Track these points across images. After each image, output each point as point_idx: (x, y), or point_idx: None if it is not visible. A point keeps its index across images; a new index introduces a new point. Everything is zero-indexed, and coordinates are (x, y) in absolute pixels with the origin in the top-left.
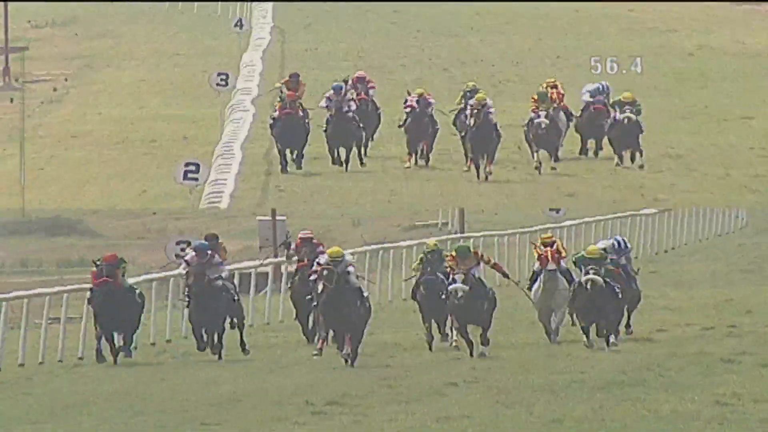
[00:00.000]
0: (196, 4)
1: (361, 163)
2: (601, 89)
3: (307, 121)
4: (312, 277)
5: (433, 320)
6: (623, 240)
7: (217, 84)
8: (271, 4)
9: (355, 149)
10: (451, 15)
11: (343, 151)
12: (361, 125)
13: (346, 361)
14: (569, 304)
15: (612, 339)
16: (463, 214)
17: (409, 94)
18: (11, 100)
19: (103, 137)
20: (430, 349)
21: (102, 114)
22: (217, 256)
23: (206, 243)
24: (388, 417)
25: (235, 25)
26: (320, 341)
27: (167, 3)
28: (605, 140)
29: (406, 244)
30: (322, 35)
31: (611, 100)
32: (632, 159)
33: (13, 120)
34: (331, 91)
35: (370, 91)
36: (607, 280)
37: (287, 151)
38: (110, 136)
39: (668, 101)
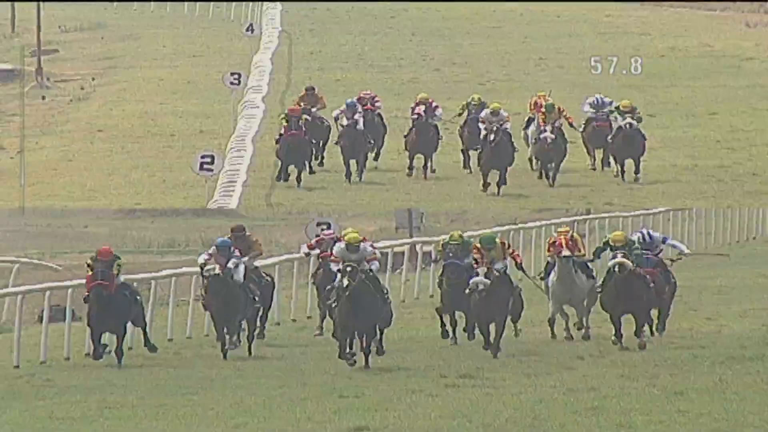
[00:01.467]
0: (211, 10)
1: (360, 176)
2: (600, 103)
3: (311, 141)
4: (335, 269)
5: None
6: (648, 232)
7: (231, 83)
8: (279, 10)
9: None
10: (443, 20)
11: (353, 164)
12: (370, 140)
13: (367, 364)
14: (600, 296)
15: (645, 332)
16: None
17: (415, 105)
18: (43, 98)
19: (127, 131)
20: (453, 340)
21: (125, 110)
22: (237, 251)
23: (228, 240)
24: (518, 390)
25: (247, 30)
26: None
27: (186, 9)
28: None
29: (536, 224)
30: (325, 38)
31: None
32: (635, 172)
33: (46, 116)
34: (344, 106)
35: (377, 104)
36: (638, 266)
37: (289, 168)
38: (133, 130)
39: (643, 97)
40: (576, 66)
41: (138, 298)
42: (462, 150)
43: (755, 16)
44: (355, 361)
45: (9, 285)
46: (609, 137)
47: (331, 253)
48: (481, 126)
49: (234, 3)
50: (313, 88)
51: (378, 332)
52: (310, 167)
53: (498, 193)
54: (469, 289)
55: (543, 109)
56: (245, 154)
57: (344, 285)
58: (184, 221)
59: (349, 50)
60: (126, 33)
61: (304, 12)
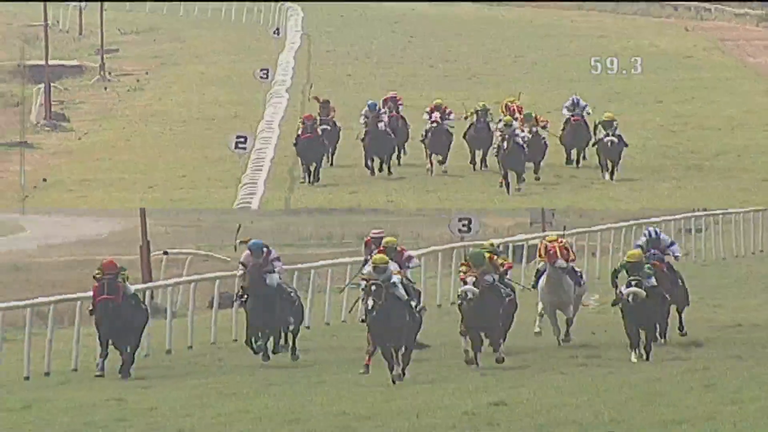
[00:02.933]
0: (244, 15)
1: (389, 172)
2: (576, 102)
3: (325, 140)
4: (361, 289)
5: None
6: (655, 231)
7: (260, 76)
8: (301, 16)
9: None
10: (437, 24)
11: (377, 161)
12: (393, 137)
13: (394, 381)
14: (624, 318)
15: (660, 341)
16: None
17: (431, 110)
18: (105, 89)
19: (174, 116)
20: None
21: (173, 99)
22: (273, 252)
23: (261, 242)
24: (637, 369)
25: (274, 32)
26: (367, 357)
27: (223, 15)
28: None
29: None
30: (339, 39)
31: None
32: (611, 175)
33: (107, 104)
34: (367, 108)
35: (400, 108)
36: (653, 286)
37: (309, 166)
38: (179, 115)
39: (601, 89)
40: (547, 62)
41: (144, 308)
42: (470, 150)
43: (692, 22)
44: (401, 377)
45: (183, 274)
46: (594, 146)
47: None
48: (497, 135)
49: (263, 10)
50: (328, 101)
51: (413, 341)
52: (331, 160)
53: (518, 190)
54: (459, 297)
55: (522, 116)
56: (272, 135)
57: (369, 306)
58: (338, 217)
59: (358, 49)
60: (174, 35)
61: (322, 17)
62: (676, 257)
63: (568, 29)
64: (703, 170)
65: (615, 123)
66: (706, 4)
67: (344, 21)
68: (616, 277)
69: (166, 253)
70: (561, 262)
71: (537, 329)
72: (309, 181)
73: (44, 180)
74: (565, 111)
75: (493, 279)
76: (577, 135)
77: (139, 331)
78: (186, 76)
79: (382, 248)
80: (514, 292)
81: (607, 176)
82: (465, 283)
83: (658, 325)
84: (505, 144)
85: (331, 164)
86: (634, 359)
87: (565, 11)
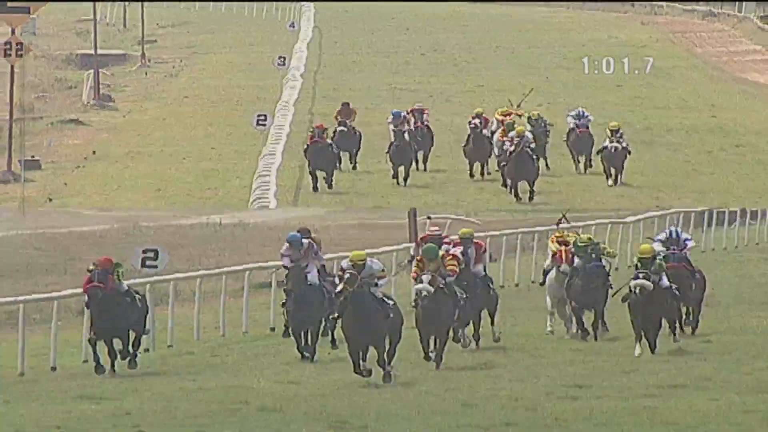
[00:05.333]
0: (264, 11)
1: (404, 183)
2: (581, 114)
3: (335, 148)
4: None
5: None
6: (677, 230)
7: (278, 64)
8: (313, 12)
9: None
10: (427, 19)
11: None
12: (415, 147)
13: (370, 375)
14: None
15: (676, 337)
16: None
17: (471, 119)
18: (145, 74)
19: (205, 98)
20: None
21: (204, 83)
22: (314, 245)
23: (299, 234)
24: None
25: (290, 26)
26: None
27: (246, 11)
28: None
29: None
30: (345, 32)
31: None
32: (615, 180)
33: (147, 87)
34: (392, 117)
35: (425, 117)
36: (663, 282)
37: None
38: (209, 98)
39: (569, 75)
40: (522, 52)
41: (140, 304)
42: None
43: (648, 17)
44: (370, 374)
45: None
46: (600, 154)
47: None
48: (507, 143)
49: (280, 8)
50: (348, 103)
51: (388, 345)
52: (356, 160)
53: (530, 199)
54: (415, 296)
55: (503, 126)
56: (288, 113)
57: (339, 289)
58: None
59: (362, 40)
60: (204, 28)
61: (331, 13)
62: (686, 250)
63: (540, 24)
64: (653, 145)
65: (620, 131)
66: (659, 2)
67: (350, 17)
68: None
69: (429, 218)
70: (565, 267)
71: (549, 329)
72: (314, 189)
73: (93, 152)
74: (569, 120)
75: (446, 279)
76: (583, 144)
77: (137, 327)
78: (215, 64)
79: (426, 236)
80: (466, 298)
81: (611, 182)
82: (421, 281)
83: (668, 323)
84: (513, 148)
85: (355, 167)
86: (637, 352)
87: (537, 7)
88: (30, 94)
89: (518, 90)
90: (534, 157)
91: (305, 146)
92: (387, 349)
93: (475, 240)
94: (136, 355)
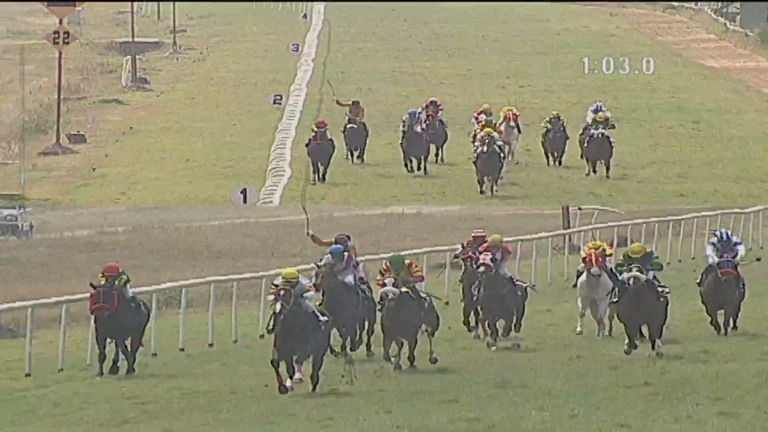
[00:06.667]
0: (280, 5)
1: (425, 171)
2: (599, 108)
3: (334, 144)
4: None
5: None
6: (726, 232)
7: (292, 50)
8: (324, 4)
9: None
10: (424, 11)
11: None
12: (428, 140)
13: (302, 383)
14: (617, 307)
15: (658, 342)
16: None
17: (477, 114)
18: (176, 60)
19: (228, 80)
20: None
21: (227, 67)
22: (353, 257)
23: (341, 247)
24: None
25: (302, 17)
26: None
27: (264, 5)
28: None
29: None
30: (352, 22)
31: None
32: (607, 170)
33: (178, 71)
34: (407, 115)
35: (440, 112)
36: (653, 277)
37: (318, 165)
38: (231, 80)
39: (545, 60)
40: (505, 40)
41: (143, 311)
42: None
43: (617, 9)
44: (286, 389)
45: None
46: (585, 143)
47: (472, 255)
48: (478, 143)
49: (295, 1)
50: (358, 102)
51: (312, 357)
52: (359, 154)
53: (490, 193)
54: (380, 298)
55: (483, 122)
56: (301, 94)
57: (278, 309)
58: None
59: (366, 30)
60: (227, 20)
61: (339, 5)
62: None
63: (521, 15)
64: (621, 122)
65: (609, 121)
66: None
67: (355, 8)
68: (620, 273)
69: (580, 209)
70: (595, 270)
71: (579, 329)
72: (318, 180)
73: (131, 128)
74: (589, 113)
75: (412, 284)
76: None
77: (139, 331)
78: (237, 51)
79: (471, 240)
80: (431, 301)
81: (595, 173)
82: (385, 284)
83: (649, 328)
84: (485, 148)
85: (362, 161)
86: (625, 349)
87: (520, 2)
88: (75, 77)
89: (502, 73)
90: (501, 155)
91: (307, 142)
92: (315, 359)
93: (503, 245)
94: (134, 360)
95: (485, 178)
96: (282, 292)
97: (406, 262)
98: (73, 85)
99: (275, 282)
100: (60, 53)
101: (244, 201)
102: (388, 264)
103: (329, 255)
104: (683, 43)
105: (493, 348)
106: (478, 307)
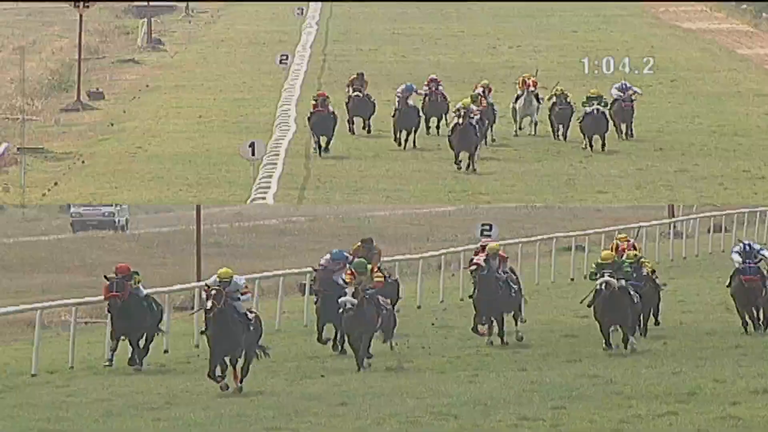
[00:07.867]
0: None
1: (414, 145)
2: (625, 87)
3: (336, 115)
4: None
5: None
6: (750, 243)
7: (297, 14)
8: (320, 4)
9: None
10: (417, 9)
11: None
12: (420, 114)
13: (238, 388)
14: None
15: (632, 340)
16: None
17: (475, 87)
18: (189, 22)
19: (237, 41)
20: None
21: (237, 29)
22: (347, 266)
23: (343, 252)
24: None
25: (298, 14)
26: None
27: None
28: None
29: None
30: (347, 17)
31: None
32: (603, 146)
33: (191, 32)
34: (403, 87)
35: (440, 87)
36: (626, 282)
37: (320, 139)
38: (241, 41)
39: (531, 22)
40: (494, 5)
41: (156, 309)
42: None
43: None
44: (226, 385)
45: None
46: (578, 120)
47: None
48: (453, 114)
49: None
50: (363, 74)
51: (245, 359)
52: (365, 126)
53: (472, 170)
54: (339, 307)
55: (467, 99)
56: (306, 54)
57: (208, 306)
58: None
59: (362, 25)
60: (232, 14)
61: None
62: (760, 259)
63: (514, 11)
64: (604, 79)
65: (603, 97)
66: None
67: (350, 7)
68: (595, 280)
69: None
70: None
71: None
72: (319, 154)
73: (147, 86)
74: (615, 92)
75: (372, 290)
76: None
77: (151, 330)
78: (246, 14)
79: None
80: (392, 306)
81: (591, 148)
82: (346, 293)
83: (622, 331)
84: (460, 120)
85: (369, 132)
86: (604, 350)
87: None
88: (95, 38)
89: (491, 35)
90: (477, 129)
91: (309, 114)
92: (244, 360)
93: (500, 253)
94: (145, 355)
95: (461, 154)
96: (214, 292)
97: (369, 267)
98: (93, 46)
99: (209, 281)
100: (81, 16)
101: (252, 154)
102: (352, 269)
103: (328, 255)
104: (661, 6)
105: (490, 340)
106: (473, 307)
